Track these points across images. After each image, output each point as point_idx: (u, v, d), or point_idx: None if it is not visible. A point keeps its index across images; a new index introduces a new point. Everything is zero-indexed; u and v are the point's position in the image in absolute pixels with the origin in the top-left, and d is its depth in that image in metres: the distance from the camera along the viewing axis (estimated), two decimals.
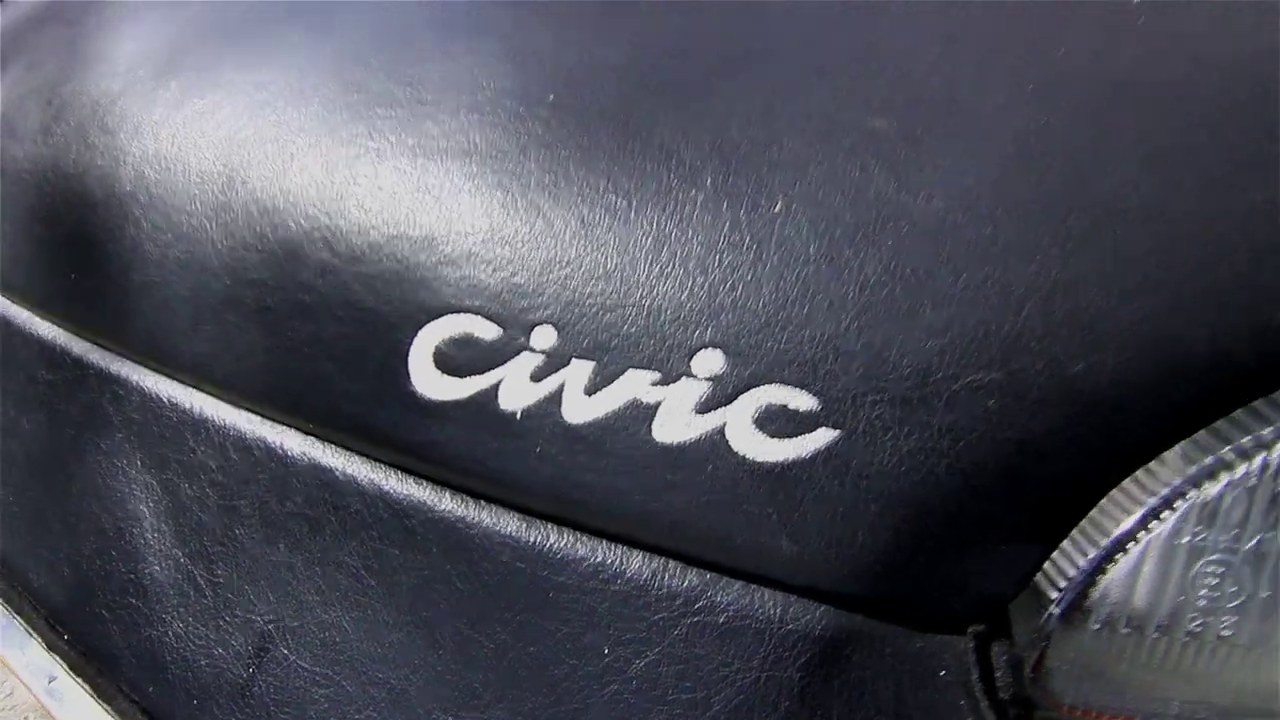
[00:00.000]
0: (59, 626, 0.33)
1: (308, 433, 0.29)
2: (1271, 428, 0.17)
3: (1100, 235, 0.18)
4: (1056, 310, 0.18)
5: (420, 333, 0.25)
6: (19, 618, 0.34)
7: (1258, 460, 0.17)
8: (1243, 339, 0.17)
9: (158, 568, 0.31)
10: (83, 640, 0.32)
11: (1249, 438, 0.17)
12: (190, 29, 0.40)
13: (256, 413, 0.30)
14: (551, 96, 0.25)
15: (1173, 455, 0.18)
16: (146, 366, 0.34)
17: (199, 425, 0.31)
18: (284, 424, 0.29)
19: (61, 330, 0.38)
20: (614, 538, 0.22)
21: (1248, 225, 0.17)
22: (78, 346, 0.37)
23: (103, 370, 0.35)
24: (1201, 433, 0.17)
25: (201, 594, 0.29)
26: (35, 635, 0.33)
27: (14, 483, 0.38)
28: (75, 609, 0.32)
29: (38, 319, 0.40)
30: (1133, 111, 0.19)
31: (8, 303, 0.42)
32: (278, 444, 0.29)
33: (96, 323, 0.36)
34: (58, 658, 0.32)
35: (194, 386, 0.32)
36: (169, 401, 0.33)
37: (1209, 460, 0.17)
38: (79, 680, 0.32)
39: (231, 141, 0.32)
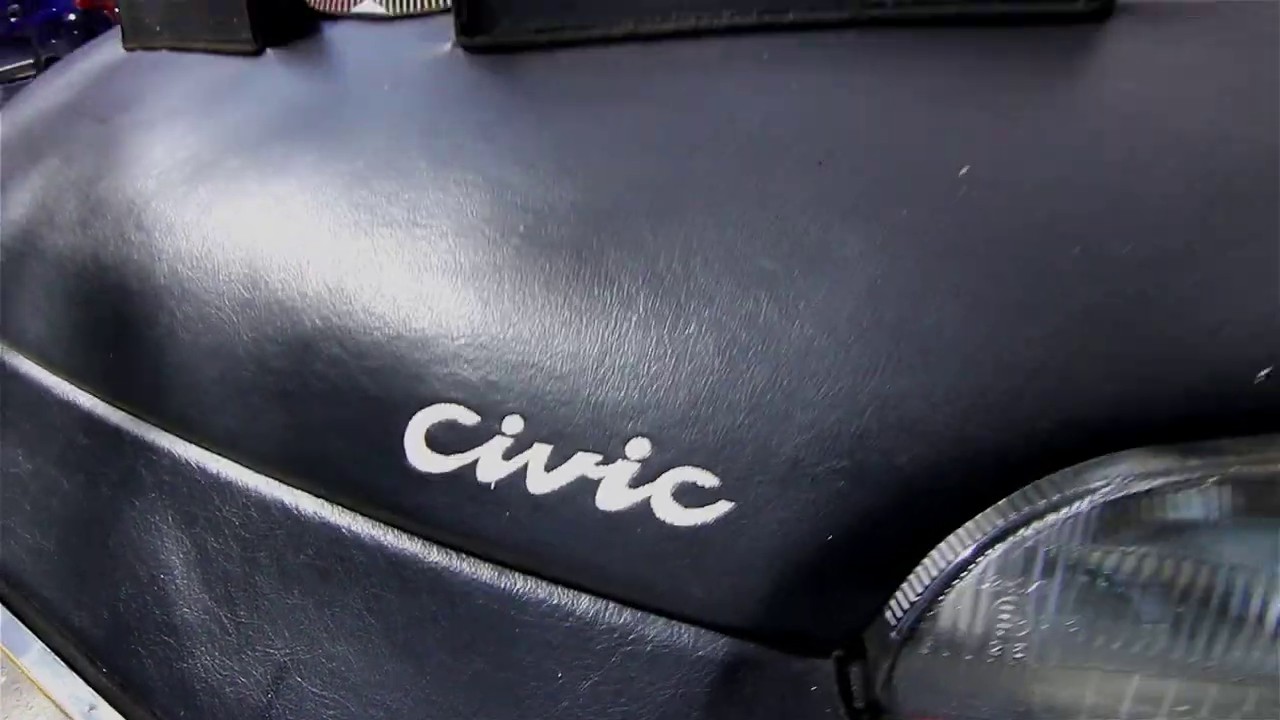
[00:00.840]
0: (99, 661, 0.38)
1: (319, 495, 0.34)
2: (1044, 501, 0.23)
3: (920, 360, 0.24)
4: (889, 416, 0.24)
5: (414, 417, 0.31)
6: (62, 654, 0.39)
7: (1033, 526, 0.23)
8: (1020, 439, 0.23)
9: (187, 610, 0.36)
10: (120, 673, 0.37)
11: (1027, 508, 0.23)
12: (216, 141, 0.46)
13: (275, 478, 0.36)
14: (522, 227, 0.32)
15: (976, 522, 0.24)
16: (178, 436, 0.40)
17: (225, 487, 0.37)
18: (299, 488, 0.35)
19: (100, 401, 0.44)
20: (566, 584, 0.28)
21: (1024, 356, 0.23)
22: (115, 416, 0.43)
23: (138, 438, 0.41)
24: (994, 506, 0.24)
25: (226, 632, 0.35)
26: (77, 669, 0.38)
27: (56, 535, 0.43)
28: (113, 646, 0.38)
29: (79, 390, 0.45)
30: (946, 266, 0.25)
31: (50, 375, 0.47)
32: (293, 505, 0.35)
33: (133, 396, 0.42)
34: (97, 689, 0.37)
35: (220, 454, 0.38)
36: (198, 467, 0.38)
37: (1000, 525, 0.23)
38: (116, 708, 0.37)
39: (255, 247, 0.39)
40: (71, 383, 0.46)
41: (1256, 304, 0.22)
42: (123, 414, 0.43)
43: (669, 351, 0.27)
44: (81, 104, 0.66)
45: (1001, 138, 0.28)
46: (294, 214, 0.39)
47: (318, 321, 0.35)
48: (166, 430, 0.40)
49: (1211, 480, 0.22)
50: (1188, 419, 0.22)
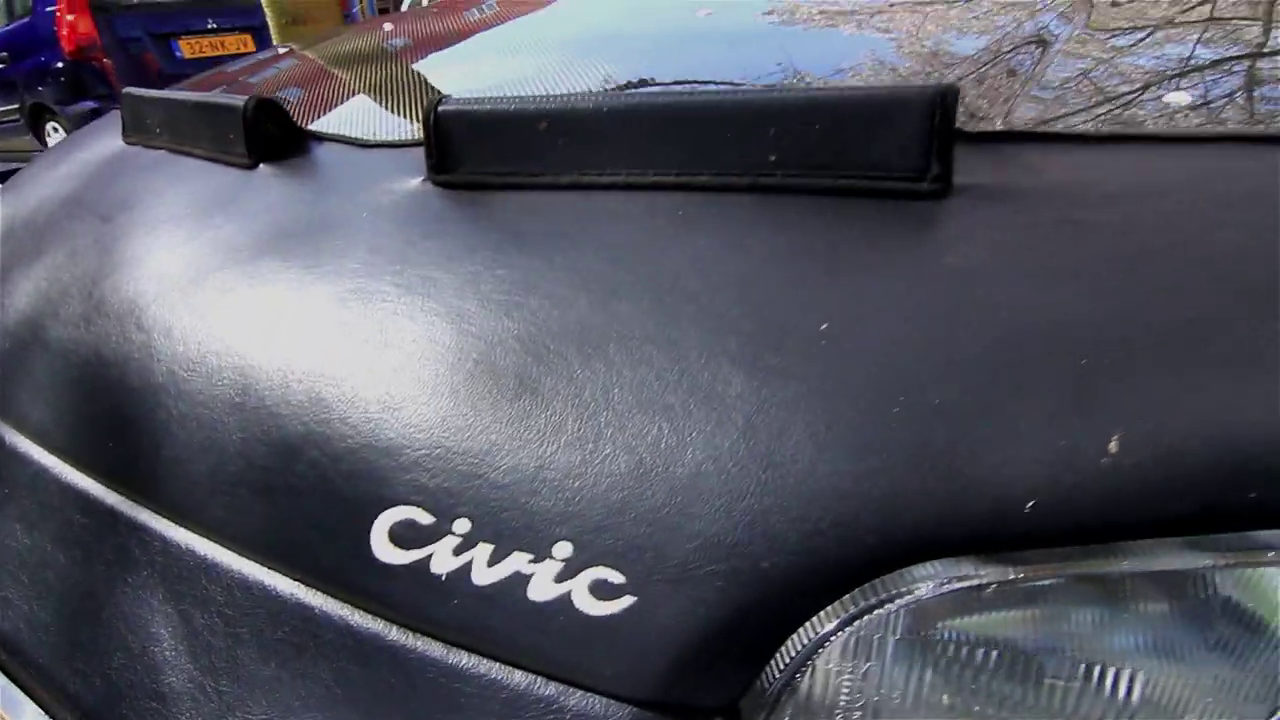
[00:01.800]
0: None
1: (296, 579, 0.40)
2: (875, 598, 0.29)
3: (781, 485, 0.31)
4: (756, 529, 0.30)
5: (380, 516, 0.37)
6: (57, 718, 0.43)
7: (866, 618, 0.29)
8: (856, 550, 0.30)
9: (175, 679, 0.41)
10: None
11: (862, 604, 0.30)
12: (212, 251, 0.53)
13: (258, 561, 0.41)
14: (475, 354, 0.38)
15: (823, 614, 0.30)
16: (170, 520, 0.45)
17: (211, 568, 0.42)
18: (278, 571, 0.40)
19: (98, 484, 0.49)
20: (504, 661, 0.34)
21: (858, 486, 0.30)
22: (111, 499, 0.48)
23: (133, 520, 0.46)
24: (838, 600, 0.30)
25: (210, 700, 0.40)
26: None
27: (52, 607, 0.47)
28: (106, 711, 0.42)
29: (78, 473, 0.50)
30: (803, 408, 0.32)
31: (51, 457, 0.52)
32: (273, 586, 0.40)
33: (130, 482, 0.47)
34: None
35: (208, 538, 0.43)
36: (188, 549, 0.43)
37: (842, 616, 0.30)
38: None
39: (245, 356, 0.45)
40: (71, 466, 0.51)
41: (1027, 449, 0.29)
42: (119, 497, 0.48)
43: (589, 469, 0.33)
44: (84, 198, 0.72)
45: (854, 299, 0.35)
46: (280, 328, 0.45)
47: (299, 427, 0.40)
48: (159, 514, 0.46)
49: (997, 584, 0.29)
50: (981, 537, 0.29)
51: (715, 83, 0.56)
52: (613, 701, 0.32)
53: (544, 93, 0.60)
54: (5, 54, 4.57)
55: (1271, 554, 0.28)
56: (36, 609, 0.48)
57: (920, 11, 0.71)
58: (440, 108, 0.48)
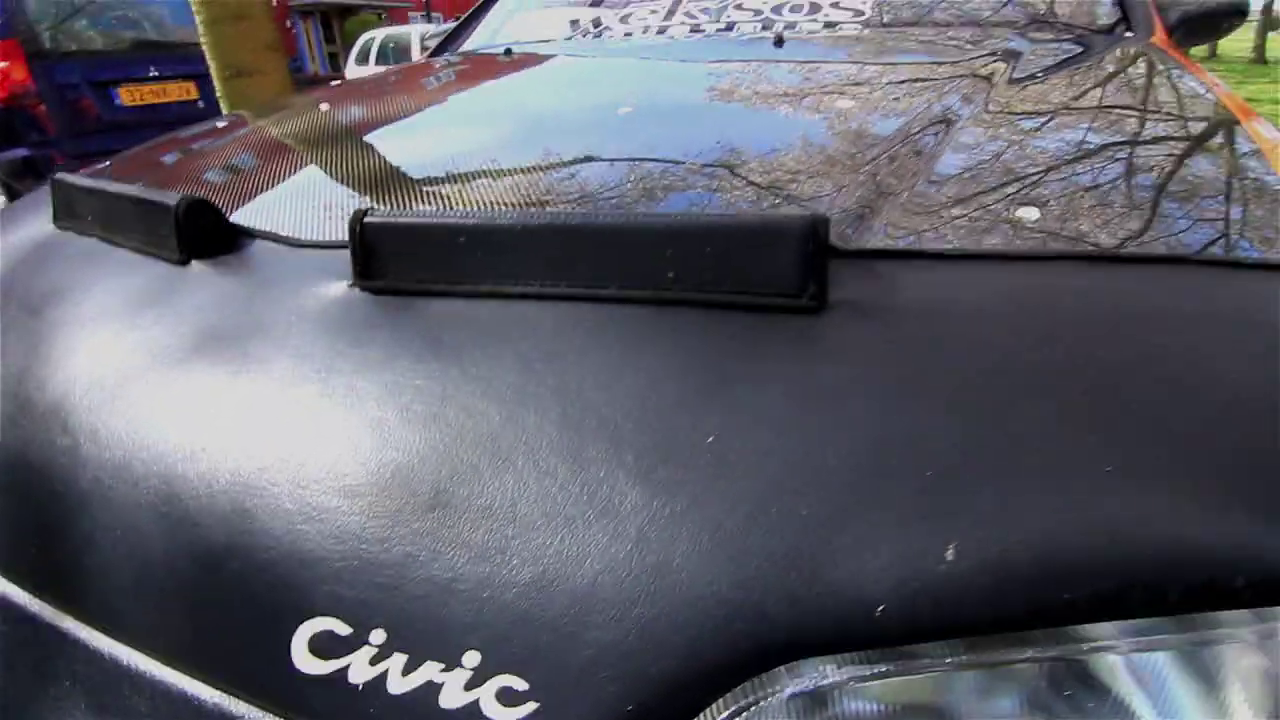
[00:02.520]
0: None
1: (218, 687, 0.41)
2: (751, 696, 0.33)
3: (668, 594, 0.34)
4: (646, 636, 0.33)
5: (300, 626, 0.38)
6: None
7: (744, 715, 0.33)
8: (734, 652, 0.33)
9: None
10: None
11: (739, 702, 0.33)
12: (140, 352, 0.54)
13: (181, 670, 0.42)
14: (393, 465, 0.41)
15: (706, 713, 0.33)
16: (94, 628, 0.45)
17: (135, 678, 0.43)
18: (201, 680, 0.41)
19: (20, 590, 0.49)
20: None
21: (734, 593, 0.33)
22: (34, 605, 0.48)
23: (56, 628, 0.47)
24: (718, 700, 0.33)
25: None
26: None
27: None
28: None
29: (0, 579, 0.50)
30: (688, 520, 0.35)
31: None
32: (194, 694, 0.41)
33: (52, 588, 0.48)
34: None
35: (132, 647, 0.44)
36: (111, 658, 0.44)
37: (723, 716, 0.33)
38: None
39: (171, 463, 0.46)
40: None
41: (878, 556, 0.33)
42: (41, 604, 0.48)
43: (497, 580, 0.36)
44: (13, 287, 0.72)
45: (736, 413, 0.39)
46: (205, 435, 0.46)
47: (223, 538, 0.42)
48: (83, 623, 0.46)
49: (860, 678, 0.32)
50: (840, 639, 0.32)
51: (631, 186, 0.60)
52: None
53: (461, 189, 0.64)
54: None
55: (1087, 645, 0.32)
56: None
57: (822, 111, 0.78)
58: (366, 220, 0.51)
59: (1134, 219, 0.49)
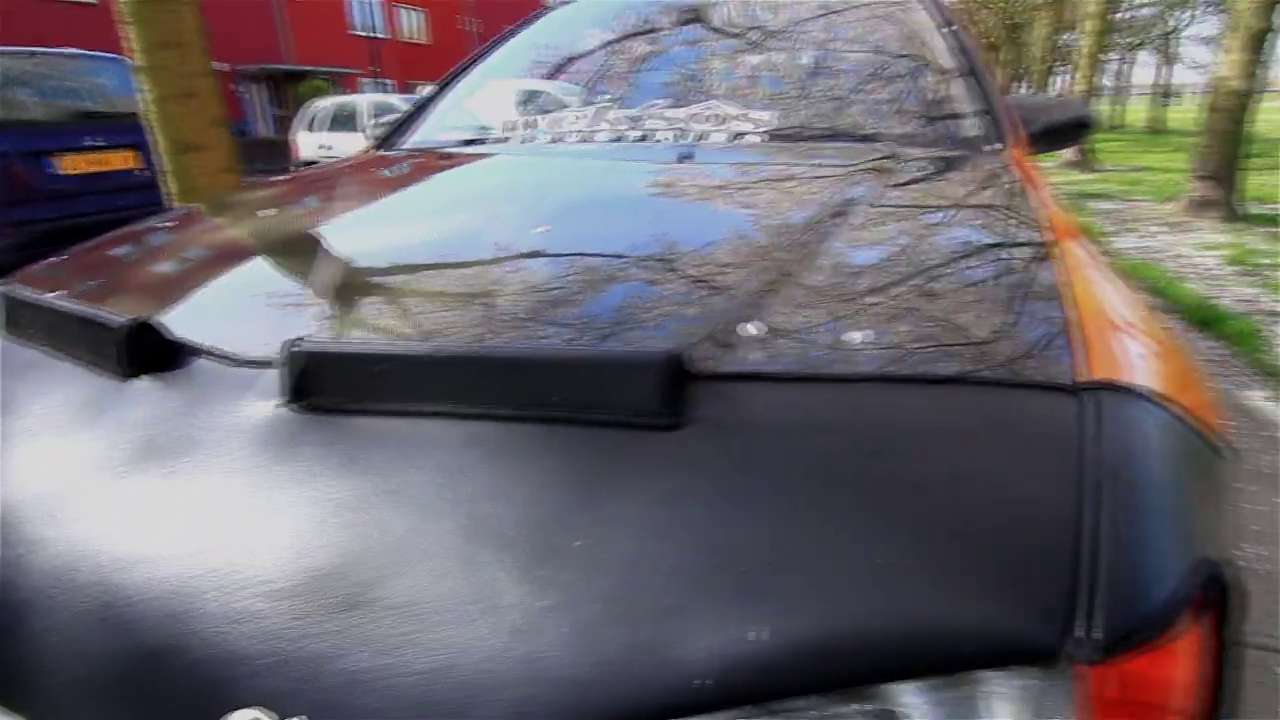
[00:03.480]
0: None
1: None
2: None
3: (537, 675, 0.41)
4: (518, 715, 0.41)
5: (230, 715, 0.44)
6: None
7: None
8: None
9: None
10: None
11: None
12: (81, 463, 0.60)
13: None
14: (312, 572, 0.48)
15: None
16: None
17: None
18: None
19: None
20: None
21: (576, 680, 0.41)
22: None
23: None
24: None
25: None
26: None
27: None
28: None
29: None
30: (551, 617, 0.43)
31: None
32: None
33: (1, 690, 0.52)
34: None
35: None
36: None
37: None
38: None
39: (110, 575, 0.52)
40: None
41: (702, 639, 0.41)
42: None
43: (398, 670, 0.43)
44: None
45: (600, 519, 0.47)
46: (142, 546, 0.52)
47: (157, 641, 0.48)
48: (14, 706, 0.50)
49: None
50: (674, 707, 0.40)
51: (535, 303, 0.70)
52: None
53: (386, 307, 0.73)
54: None
55: (870, 705, 0.41)
56: None
57: (702, 235, 0.89)
58: (295, 348, 0.59)
59: (942, 342, 0.61)
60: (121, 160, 4.93)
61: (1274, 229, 5.52)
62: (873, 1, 1.79)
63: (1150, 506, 0.48)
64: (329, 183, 1.34)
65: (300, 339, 0.60)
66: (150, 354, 0.69)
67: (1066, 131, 1.50)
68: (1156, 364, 0.64)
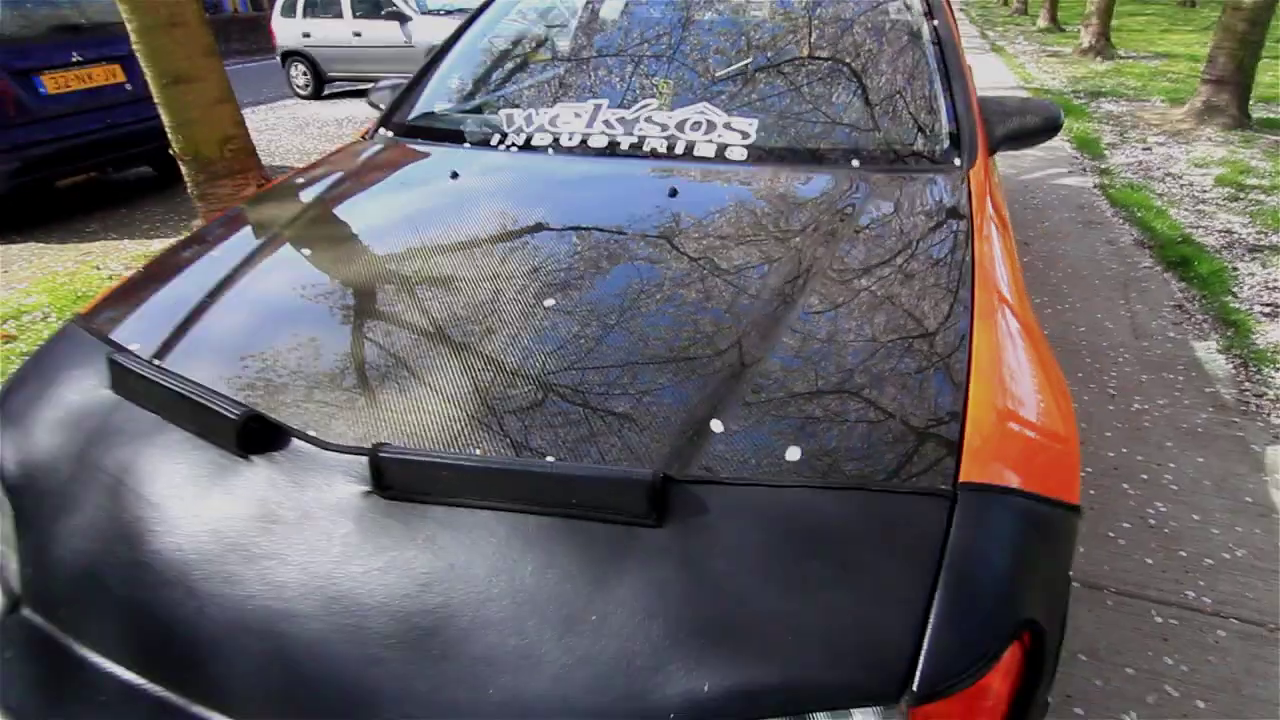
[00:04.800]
0: None
1: None
2: None
3: (560, 716, 0.65)
4: None
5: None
6: None
7: None
8: None
9: None
10: None
11: None
12: (216, 528, 0.81)
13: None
14: (405, 634, 0.70)
15: None
16: (200, 704, 0.74)
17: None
18: None
19: (149, 681, 0.77)
20: None
21: (603, 717, 0.65)
22: (159, 691, 0.76)
23: (169, 703, 0.75)
24: None
25: None
26: None
27: None
28: None
29: (131, 674, 0.78)
30: (582, 668, 0.66)
31: (116, 665, 0.79)
32: None
33: (171, 680, 0.76)
34: None
35: (211, 709, 0.73)
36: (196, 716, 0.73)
37: None
38: None
39: (276, 623, 0.74)
40: (130, 670, 0.79)
41: (672, 686, 0.64)
42: (160, 689, 0.76)
43: (473, 700, 0.66)
44: (87, 453, 0.95)
45: (608, 599, 0.69)
46: (267, 611, 0.74)
47: (309, 668, 0.71)
48: (192, 701, 0.75)
49: None
50: None
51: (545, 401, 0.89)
52: None
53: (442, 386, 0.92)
54: None
55: None
56: None
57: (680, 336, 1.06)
58: (380, 454, 0.78)
59: (855, 450, 0.80)
60: (106, 75, 4.81)
61: (1277, 136, 5.48)
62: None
63: (979, 588, 0.70)
64: (370, 218, 1.43)
65: (383, 444, 0.80)
66: (259, 436, 0.88)
67: (1035, 134, 1.60)
68: (1021, 455, 0.85)
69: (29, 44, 4.48)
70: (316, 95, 9.32)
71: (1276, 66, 7.76)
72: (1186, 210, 3.99)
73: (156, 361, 1.05)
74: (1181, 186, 4.43)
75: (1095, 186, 4.36)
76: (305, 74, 9.29)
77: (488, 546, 0.75)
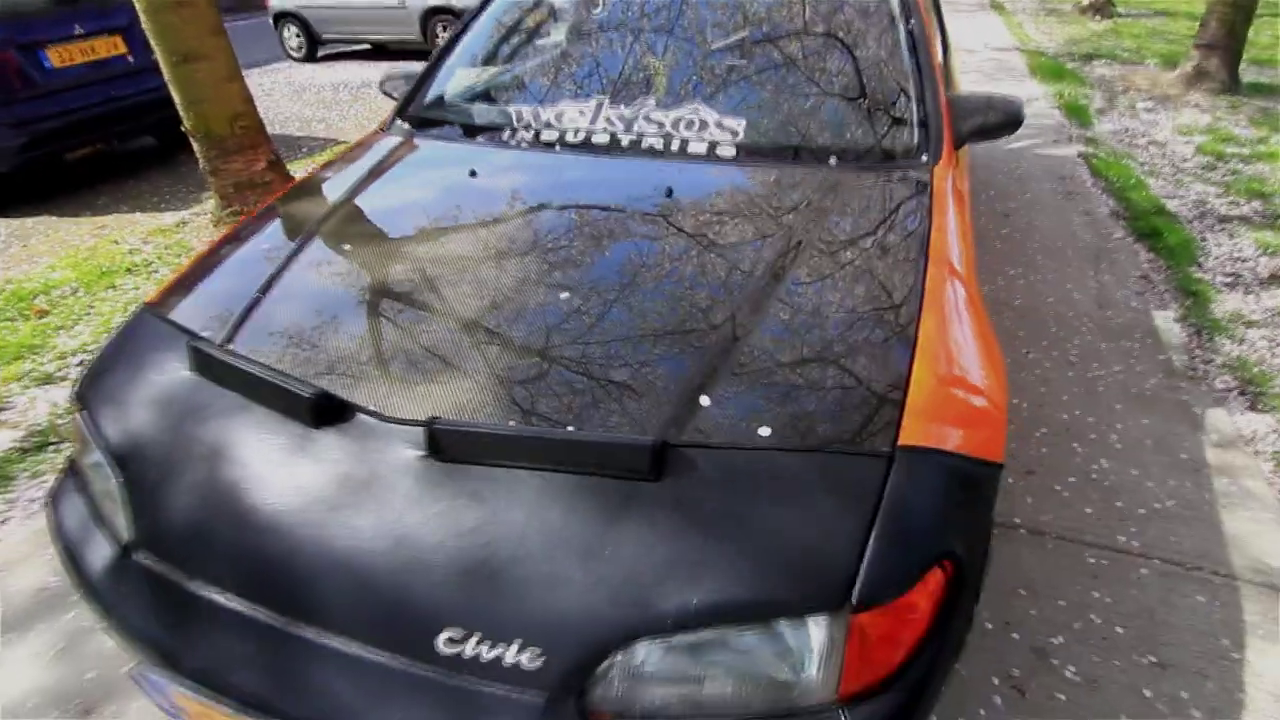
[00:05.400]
0: None
1: (383, 649, 0.92)
2: (609, 661, 0.86)
3: (573, 617, 0.86)
4: (573, 633, 0.86)
5: (441, 631, 0.89)
6: None
7: (608, 663, 0.86)
8: (601, 646, 0.86)
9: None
10: None
11: (608, 661, 0.86)
12: (300, 489, 1.01)
13: (375, 648, 0.93)
14: (461, 566, 0.91)
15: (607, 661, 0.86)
16: (319, 628, 0.95)
17: (316, 647, 0.93)
18: (366, 643, 0.92)
19: (264, 610, 0.98)
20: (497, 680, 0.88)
21: (607, 612, 0.86)
22: (274, 619, 0.97)
23: (292, 634, 0.96)
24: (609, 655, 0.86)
25: None
26: None
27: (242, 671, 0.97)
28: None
29: (247, 602, 0.99)
30: (596, 589, 0.87)
31: (234, 596, 1.00)
32: (357, 653, 0.92)
33: (281, 606, 0.97)
34: None
35: (319, 628, 0.94)
36: (308, 639, 0.94)
37: (608, 661, 0.86)
38: None
39: (359, 555, 0.95)
40: (246, 599, 0.99)
41: (665, 605, 0.85)
42: (275, 615, 0.97)
43: (519, 611, 0.87)
44: (180, 427, 1.14)
45: (617, 536, 0.90)
46: (346, 548, 0.95)
47: (385, 590, 0.92)
48: (309, 625, 0.96)
49: (654, 650, 0.86)
50: (636, 631, 0.85)
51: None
52: (535, 692, 0.87)
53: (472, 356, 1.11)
54: None
55: (754, 629, 0.86)
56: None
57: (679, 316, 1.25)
58: (433, 426, 0.98)
59: (815, 417, 1.00)
60: (109, 47, 4.86)
61: (1265, 103, 5.58)
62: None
63: (907, 526, 0.91)
64: (404, 216, 1.60)
65: (436, 417, 0.99)
66: (329, 411, 1.07)
67: (998, 128, 1.76)
68: (953, 421, 1.05)
69: (32, 18, 4.53)
70: (310, 58, 9.26)
71: (1277, 24, 7.78)
72: (1165, 180, 4.14)
73: (228, 347, 1.23)
74: (1164, 156, 4.56)
75: (1079, 156, 4.49)
76: (298, 36, 9.21)
77: (522, 497, 0.95)
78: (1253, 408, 2.26)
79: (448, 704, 0.89)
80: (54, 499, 1.30)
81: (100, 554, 1.15)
